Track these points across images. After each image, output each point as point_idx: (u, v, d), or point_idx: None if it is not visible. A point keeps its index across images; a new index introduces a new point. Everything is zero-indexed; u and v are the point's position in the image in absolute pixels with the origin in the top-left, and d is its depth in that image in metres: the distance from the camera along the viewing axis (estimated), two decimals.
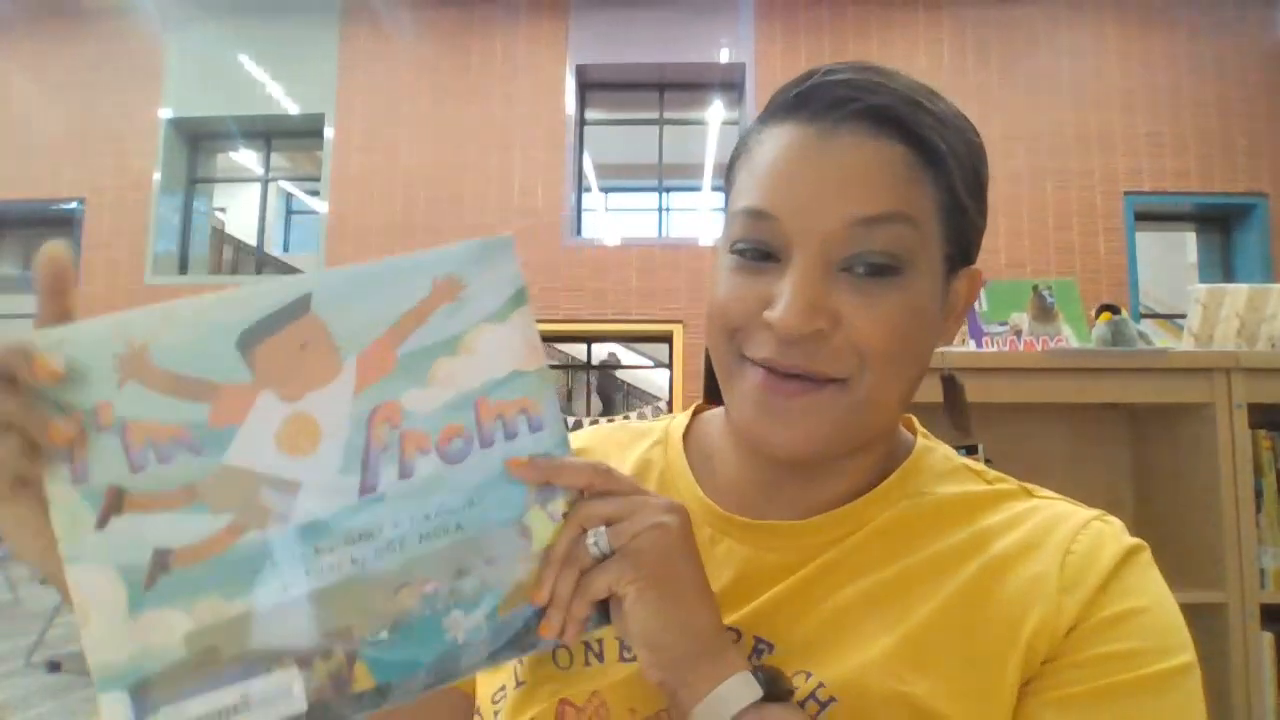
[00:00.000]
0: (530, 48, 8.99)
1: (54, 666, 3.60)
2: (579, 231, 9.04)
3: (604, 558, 0.41)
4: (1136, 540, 0.47)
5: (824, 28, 8.81)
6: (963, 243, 0.47)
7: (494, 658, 0.41)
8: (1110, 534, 0.47)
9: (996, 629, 0.43)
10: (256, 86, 9.12)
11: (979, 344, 1.62)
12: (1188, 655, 0.43)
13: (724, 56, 8.99)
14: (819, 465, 0.49)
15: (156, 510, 0.37)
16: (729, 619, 0.47)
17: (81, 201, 9.01)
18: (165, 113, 9.21)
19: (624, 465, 0.57)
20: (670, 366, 8.69)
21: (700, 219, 9.95)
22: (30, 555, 0.39)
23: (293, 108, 9.13)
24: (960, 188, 0.45)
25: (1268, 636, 1.35)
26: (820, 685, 0.43)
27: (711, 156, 9.67)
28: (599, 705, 0.47)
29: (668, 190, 9.84)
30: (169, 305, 0.40)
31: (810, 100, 0.45)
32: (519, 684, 0.50)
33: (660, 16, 8.90)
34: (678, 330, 8.54)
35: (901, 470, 0.51)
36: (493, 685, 0.52)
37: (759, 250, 0.45)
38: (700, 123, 9.55)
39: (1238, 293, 1.66)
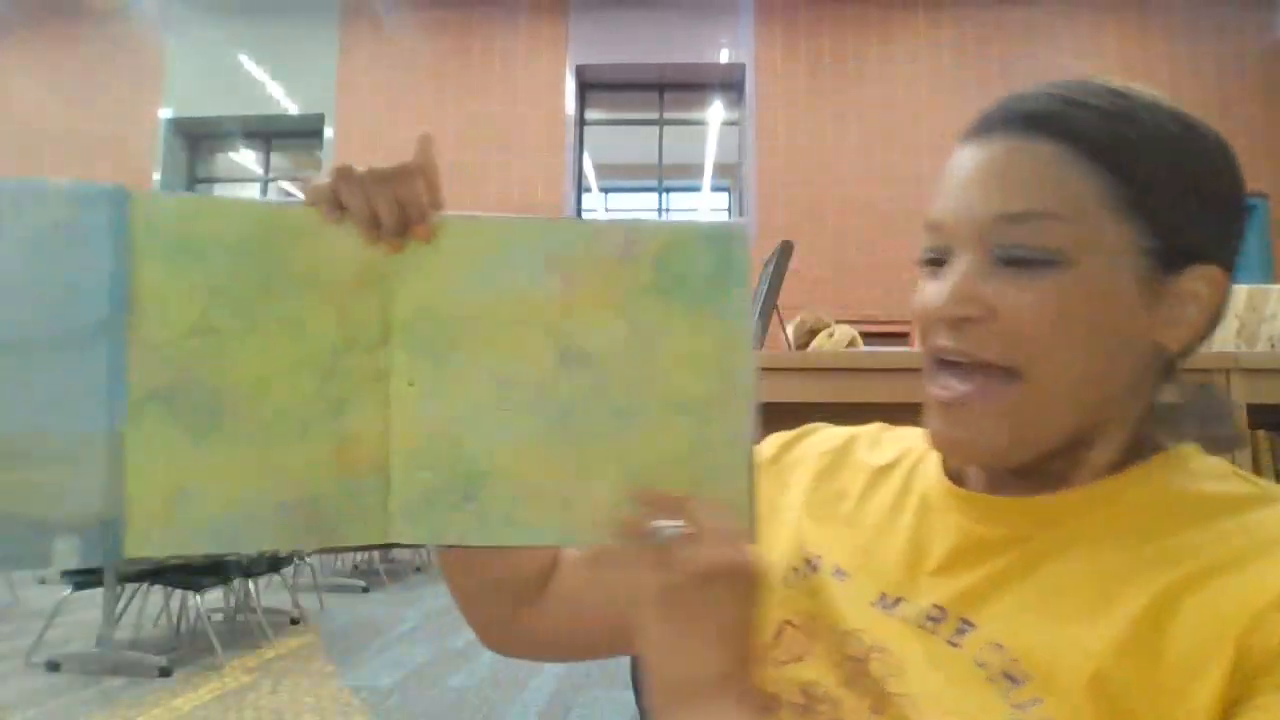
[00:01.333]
0: (530, 48, 9.00)
1: (54, 666, 3.60)
2: None
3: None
4: None
5: (824, 28, 8.81)
6: (1174, 237, 0.45)
7: None
8: None
9: (1209, 633, 0.39)
10: (256, 86, 9.13)
11: None
12: None
13: (724, 57, 9.00)
14: (1025, 468, 0.48)
15: None
16: (939, 597, 0.47)
17: None
18: (165, 113, 9.21)
19: (888, 454, 0.59)
20: None
21: (700, 219, 9.95)
22: None
23: (293, 108, 9.13)
24: (1149, 178, 0.45)
25: None
26: (1013, 660, 0.42)
27: (711, 156, 9.67)
28: (810, 621, 0.50)
29: (668, 190, 9.85)
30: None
31: (979, 121, 0.50)
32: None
33: (660, 17, 8.90)
34: None
35: (1146, 465, 0.48)
36: None
37: (933, 257, 0.49)
38: (700, 123, 9.56)
39: (1237, 293, 1.66)
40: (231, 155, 10.07)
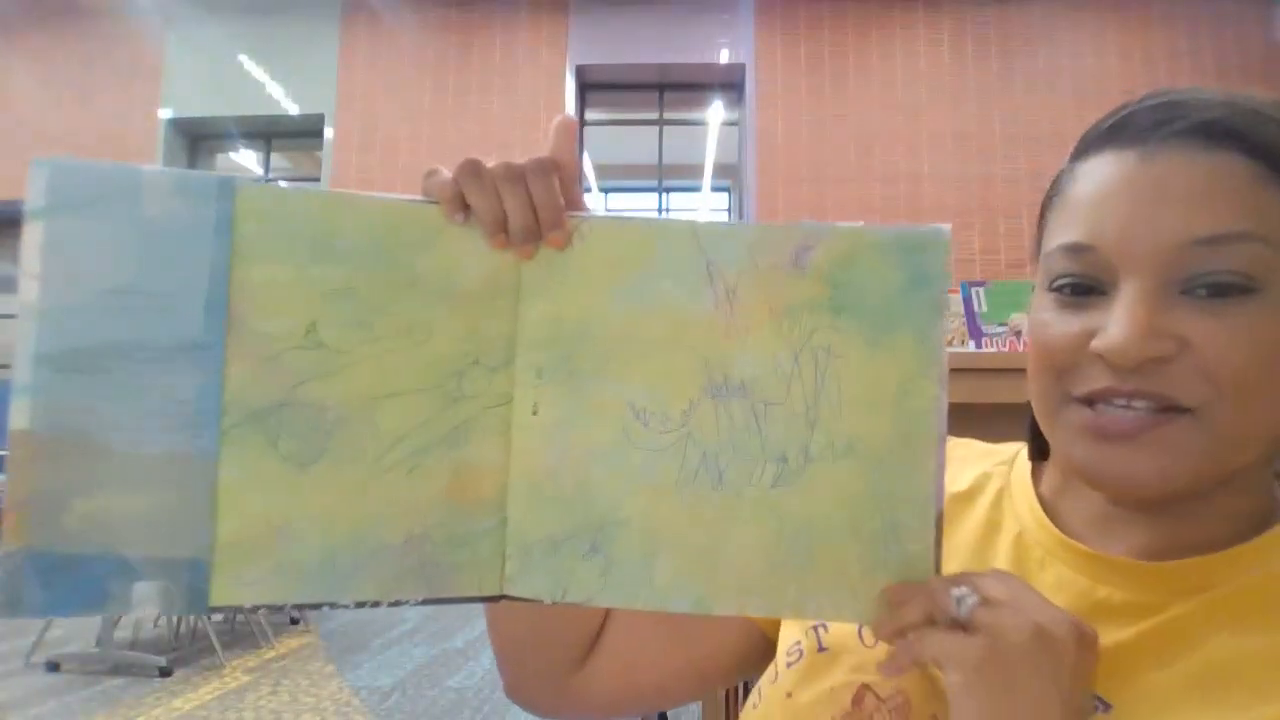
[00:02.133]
0: (530, 48, 8.99)
1: (54, 666, 3.60)
2: None
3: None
4: None
5: (824, 28, 8.81)
6: None
7: None
8: None
9: None
10: (256, 86, 9.12)
11: (979, 344, 1.62)
12: None
13: (724, 57, 8.99)
14: (1172, 505, 0.44)
15: None
16: None
17: None
18: (165, 113, 9.21)
19: (964, 478, 0.54)
20: None
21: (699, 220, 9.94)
22: None
23: (293, 108, 9.13)
24: None
25: None
26: None
27: (711, 157, 9.67)
28: (903, 702, 0.45)
29: (668, 191, 9.83)
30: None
31: (1127, 126, 0.43)
32: (820, 649, 0.48)
33: (660, 16, 8.90)
34: None
35: None
36: (789, 640, 0.51)
37: (1079, 284, 0.42)
38: (700, 123, 9.55)
39: None
40: (231, 155, 10.06)
